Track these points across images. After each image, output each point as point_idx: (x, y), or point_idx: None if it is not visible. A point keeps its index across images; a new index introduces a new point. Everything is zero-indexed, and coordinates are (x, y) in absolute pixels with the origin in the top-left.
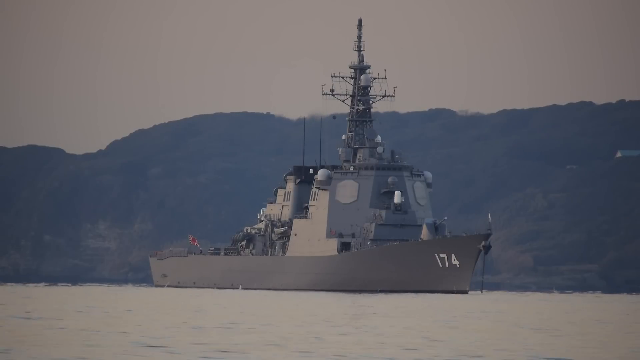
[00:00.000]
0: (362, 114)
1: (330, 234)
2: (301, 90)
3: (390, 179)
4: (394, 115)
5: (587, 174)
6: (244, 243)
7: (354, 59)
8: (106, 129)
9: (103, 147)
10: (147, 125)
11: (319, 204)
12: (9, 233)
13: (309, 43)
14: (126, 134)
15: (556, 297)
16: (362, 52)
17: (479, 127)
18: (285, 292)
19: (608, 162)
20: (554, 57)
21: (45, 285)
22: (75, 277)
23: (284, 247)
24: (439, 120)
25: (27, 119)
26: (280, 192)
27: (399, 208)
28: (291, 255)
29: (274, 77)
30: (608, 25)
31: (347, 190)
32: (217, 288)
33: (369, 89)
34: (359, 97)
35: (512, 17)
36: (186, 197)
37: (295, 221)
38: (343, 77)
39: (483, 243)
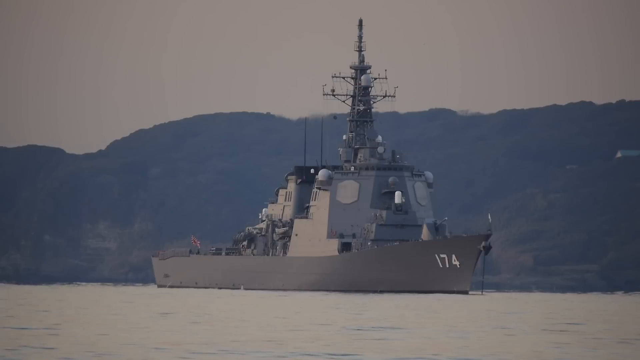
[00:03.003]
0: (362, 114)
1: (331, 235)
2: (301, 90)
3: (390, 179)
4: (394, 115)
5: (587, 174)
6: (245, 243)
7: (354, 59)
8: (106, 129)
9: (103, 147)
10: (147, 125)
11: (320, 204)
12: (9, 233)
13: (309, 43)
14: (126, 134)
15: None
16: (362, 53)
17: (479, 127)
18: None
19: (608, 162)
20: (554, 57)
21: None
22: (75, 277)
23: (285, 247)
24: (439, 120)
25: (27, 118)
26: (282, 192)
27: (399, 208)
28: (292, 255)
29: (275, 77)
30: (608, 25)
31: (348, 190)
32: (219, 288)
33: (369, 89)
34: (359, 98)
35: (513, 17)
36: (186, 197)
37: (296, 221)
38: (344, 78)
39: (483, 243)
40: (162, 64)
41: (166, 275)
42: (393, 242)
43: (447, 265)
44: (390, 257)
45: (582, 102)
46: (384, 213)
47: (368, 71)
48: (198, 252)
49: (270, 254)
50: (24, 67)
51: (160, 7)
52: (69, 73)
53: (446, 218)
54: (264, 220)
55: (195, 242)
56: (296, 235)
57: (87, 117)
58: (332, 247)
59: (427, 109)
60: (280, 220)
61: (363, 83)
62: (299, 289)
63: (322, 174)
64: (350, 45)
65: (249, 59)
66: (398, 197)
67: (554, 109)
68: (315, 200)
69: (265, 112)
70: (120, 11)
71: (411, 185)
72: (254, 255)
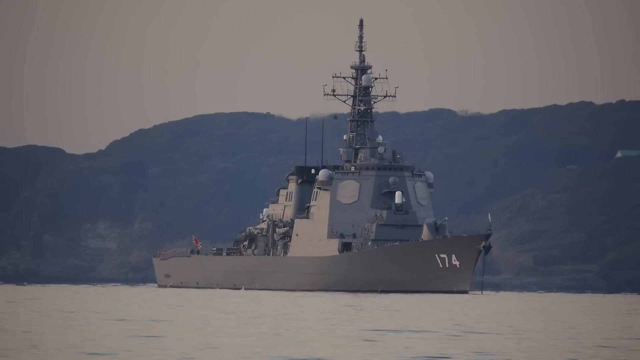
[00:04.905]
0: (363, 114)
1: (331, 234)
2: (302, 90)
3: (391, 179)
4: (394, 115)
5: (587, 174)
6: (246, 243)
7: (355, 59)
8: (106, 128)
9: (103, 147)
10: (147, 125)
11: (320, 204)
12: (9, 233)
13: (310, 43)
14: (126, 134)
15: None
16: (363, 53)
17: (479, 127)
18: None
19: (608, 162)
20: (554, 57)
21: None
22: (75, 277)
23: (286, 247)
24: (439, 120)
25: (27, 119)
26: (282, 192)
27: (400, 208)
28: (292, 255)
29: (275, 77)
30: (608, 25)
31: (348, 190)
32: (220, 288)
33: (370, 89)
34: (360, 98)
35: (513, 16)
36: (186, 197)
37: (297, 221)
38: (344, 78)
39: (483, 243)
40: (163, 64)
41: (167, 276)
42: (393, 242)
43: (447, 265)
44: (390, 257)
45: (582, 102)
46: (384, 213)
47: (369, 71)
48: (198, 253)
49: (271, 254)
50: (24, 67)
51: (161, 8)
52: (69, 73)
53: (446, 218)
54: (265, 220)
55: (196, 242)
56: (297, 235)
57: (88, 117)
58: (332, 247)
59: (427, 109)
60: (281, 220)
61: (363, 83)
62: (300, 289)
63: (322, 174)
64: (350, 45)
65: (250, 59)
66: (398, 197)
67: (554, 109)
68: (315, 200)
69: (265, 112)
70: (121, 11)
71: (411, 185)
72: (254, 255)
